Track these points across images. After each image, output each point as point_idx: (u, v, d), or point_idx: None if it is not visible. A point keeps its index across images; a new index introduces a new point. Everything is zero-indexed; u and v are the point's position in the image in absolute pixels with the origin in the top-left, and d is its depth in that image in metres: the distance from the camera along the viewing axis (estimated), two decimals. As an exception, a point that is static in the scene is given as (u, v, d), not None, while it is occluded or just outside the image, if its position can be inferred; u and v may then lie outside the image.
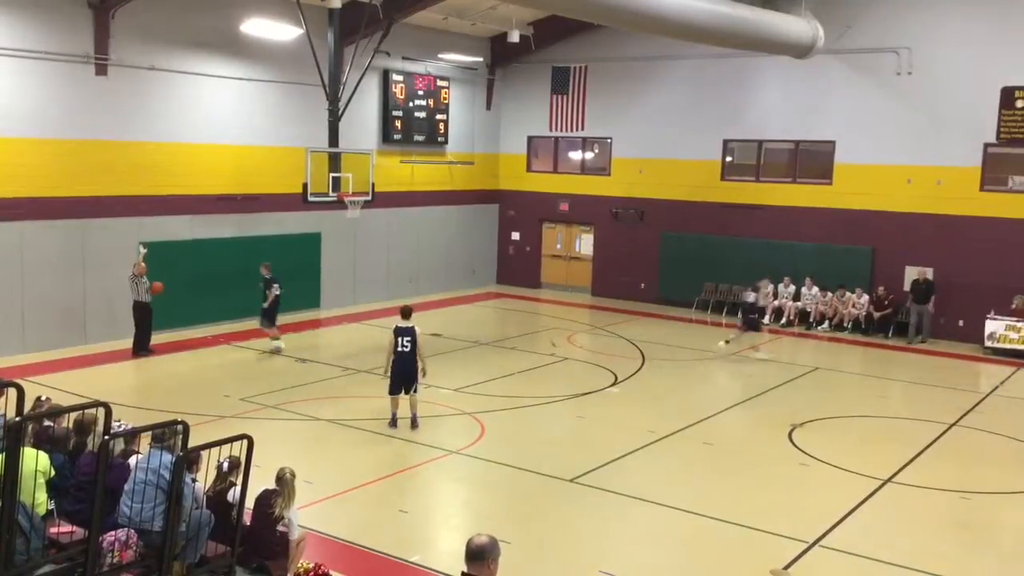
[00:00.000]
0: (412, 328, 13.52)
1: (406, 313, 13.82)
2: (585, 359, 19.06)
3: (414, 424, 13.61)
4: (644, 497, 11.20)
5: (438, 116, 25.56)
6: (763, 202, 23.81)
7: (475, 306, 25.24)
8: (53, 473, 7.29)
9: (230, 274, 20.27)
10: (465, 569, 4.95)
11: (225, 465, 7.86)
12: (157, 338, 18.13)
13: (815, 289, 22.75)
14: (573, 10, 15.40)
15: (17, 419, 7.10)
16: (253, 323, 18.97)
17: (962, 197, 21.17)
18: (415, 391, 13.65)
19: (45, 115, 17.36)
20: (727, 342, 19.51)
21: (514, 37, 23.54)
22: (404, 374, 13.49)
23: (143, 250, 17.58)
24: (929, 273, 20.91)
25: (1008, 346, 20.16)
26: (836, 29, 20.78)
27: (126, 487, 7.18)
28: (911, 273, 21.71)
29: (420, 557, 9.40)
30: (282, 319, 21.25)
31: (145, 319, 17.63)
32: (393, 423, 13.61)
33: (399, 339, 13.44)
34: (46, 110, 17.39)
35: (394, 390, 13.57)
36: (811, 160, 23.85)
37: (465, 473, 12.28)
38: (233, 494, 7.76)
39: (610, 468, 12.26)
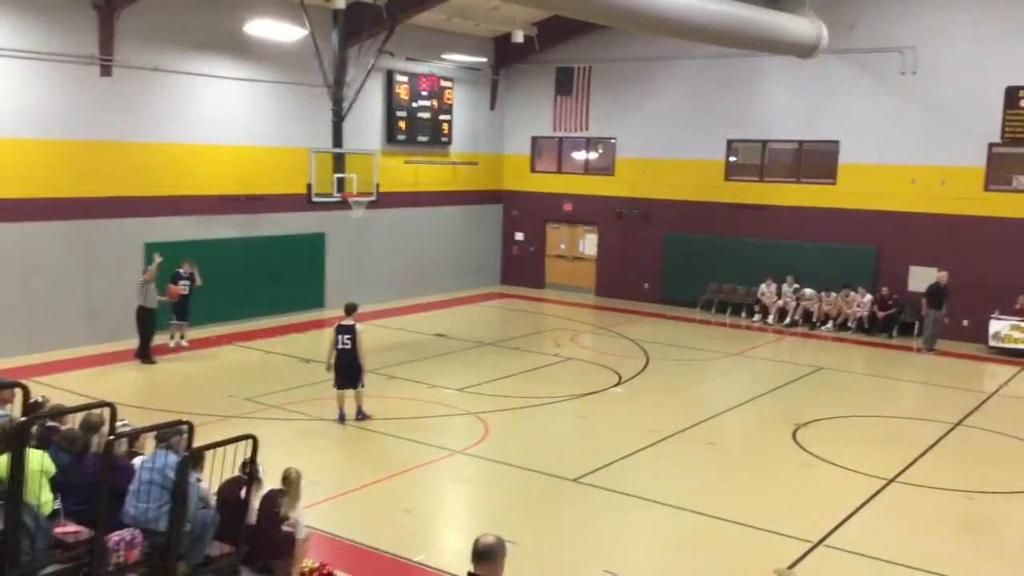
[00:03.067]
0: (353, 326, 13.84)
1: (349, 310, 14.08)
2: (589, 359, 19.06)
3: (360, 416, 13.87)
4: (648, 497, 11.20)
5: (442, 117, 25.56)
6: (767, 202, 23.78)
7: (479, 306, 25.25)
8: (54, 471, 7.29)
9: (234, 275, 20.29)
10: (472, 569, 4.95)
11: (260, 471, 7.83)
12: (161, 339, 18.05)
13: (806, 291, 22.75)
14: (576, 10, 15.37)
15: (22, 419, 7.11)
16: (258, 323, 18.96)
17: (966, 197, 21.14)
18: (361, 386, 13.97)
19: (50, 116, 17.39)
20: None
21: (518, 38, 23.52)
22: (346, 370, 13.81)
23: (158, 259, 17.53)
24: (944, 276, 20.42)
25: (1013, 345, 20.11)
26: (840, 29, 20.72)
27: (131, 487, 7.19)
28: (916, 273, 21.67)
29: (424, 556, 9.41)
30: (287, 319, 21.38)
31: (147, 324, 17.54)
32: (341, 419, 13.84)
33: (340, 336, 13.76)
34: (51, 111, 17.42)
35: (338, 384, 13.93)
36: (815, 160, 23.80)
37: (469, 473, 12.29)
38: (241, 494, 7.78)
39: (614, 468, 12.26)
